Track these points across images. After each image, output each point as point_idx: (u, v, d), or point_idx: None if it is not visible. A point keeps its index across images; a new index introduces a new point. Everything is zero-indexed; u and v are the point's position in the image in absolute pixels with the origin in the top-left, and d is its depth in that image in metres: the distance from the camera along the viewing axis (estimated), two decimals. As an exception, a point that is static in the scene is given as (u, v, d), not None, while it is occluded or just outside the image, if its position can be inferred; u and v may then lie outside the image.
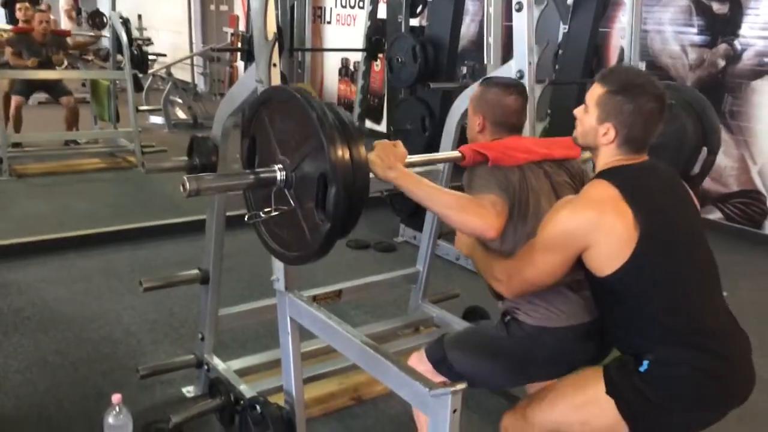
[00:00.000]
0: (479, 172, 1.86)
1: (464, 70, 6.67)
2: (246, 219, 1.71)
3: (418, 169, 2.00)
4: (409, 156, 1.79)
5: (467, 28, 6.58)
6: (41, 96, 7.09)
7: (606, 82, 1.66)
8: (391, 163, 1.71)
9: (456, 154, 1.95)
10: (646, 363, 1.59)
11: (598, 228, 1.57)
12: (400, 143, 1.78)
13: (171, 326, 3.25)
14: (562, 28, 4.86)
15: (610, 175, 1.64)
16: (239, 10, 10.52)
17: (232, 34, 9.44)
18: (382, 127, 7.53)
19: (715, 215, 5.24)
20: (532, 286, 1.72)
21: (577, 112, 1.74)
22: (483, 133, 2.05)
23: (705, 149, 2.84)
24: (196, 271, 2.53)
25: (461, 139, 2.42)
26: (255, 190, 1.69)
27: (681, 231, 1.65)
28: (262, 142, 1.66)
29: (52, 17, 6.54)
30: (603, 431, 1.65)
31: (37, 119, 6.73)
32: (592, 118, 1.68)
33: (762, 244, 4.96)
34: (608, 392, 1.61)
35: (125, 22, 6.20)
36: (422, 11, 5.22)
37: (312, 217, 1.51)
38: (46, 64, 6.07)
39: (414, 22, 4.48)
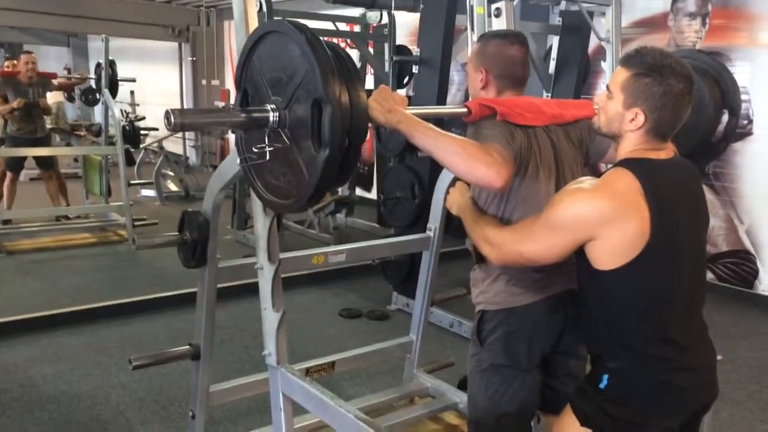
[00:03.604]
0: (486, 123, 1.77)
1: (452, 137, 6.79)
2: (238, 162, 1.64)
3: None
4: (409, 108, 1.64)
5: (453, 97, 6.75)
6: (32, 172, 7.15)
7: (631, 65, 1.56)
8: (391, 107, 1.59)
9: (461, 109, 1.81)
10: (605, 378, 1.58)
11: (612, 220, 1.49)
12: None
13: (160, 404, 3.18)
14: (545, 96, 4.98)
15: (633, 166, 1.54)
16: (230, 85, 10.77)
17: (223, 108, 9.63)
18: (373, 195, 7.60)
19: (707, 275, 5.24)
20: (524, 260, 1.66)
21: (599, 99, 1.64)
22: (487, 88, 1.94)
23: (726, 112, 2.67)
24: (186, 347, 2.50)
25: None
26: (248, 137, 1.63)
27: (687, 244, 1.59)
28: (254, 91, 1.59)
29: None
30: None
31: (28, 195, 6.76)
32: (617, 104, 1.58)
33: (755, 303, 4.96)
34: (583, 424, 1.62)
35: (112, 64, 6.32)
36: (408, 82, 5.36)
37: (309, 152, 1.43)
38: (33, 106, 6.09)
39: (401, 92, 4.60)
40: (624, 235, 1.50)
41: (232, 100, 9.06)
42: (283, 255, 2.11)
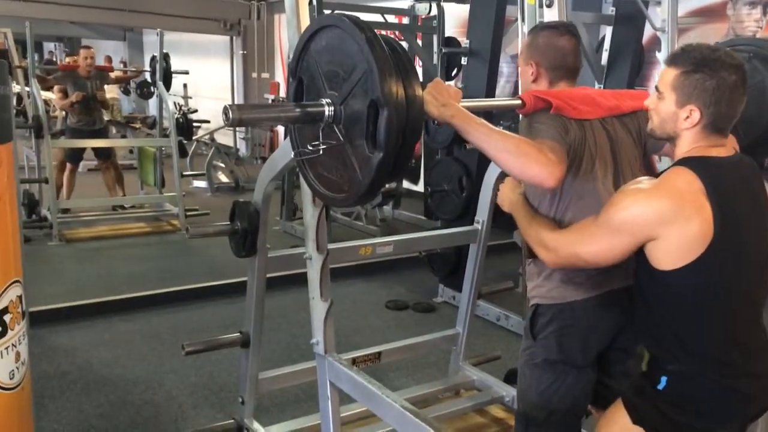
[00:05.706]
0: (539, 117, 1.74)
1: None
2: (292, 155, 1.65)
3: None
4: (463, 100, 1.64)
5: (502, 89, 6.67)
6: (90, 163, 7.39)
7: (678, 63, 1.52)
8: (446, 101, 1.57)
9: (515, 101, 1.78)
10: (664, 379, 1.55)
11: (673, 220, 1.45)
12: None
13: (211, 390, 3.25)
14: (598, 87, 4.88)
15: (694, 164, 1.50)
16: (280, 78, 10.89)
17: (272, 101, 9.74)
18: (419, 187, 7.58)
19: None
20: (582, 262, 1.62)
21: (649, 102, 1.61)
22: (538, 81, 1.92)
23: None
24: (237, 334, 2.55)
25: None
26: (302, 127, 1.64)
27: (751, 243, 1.55)
28: (309, 81, 1.60)
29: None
30: None
31: (86, 185, 6.98)
32: (669, 104, 1.54)
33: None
34: (635, 421, 1.59)
35: (166, 57, 6.50)
36: (457, 74, 5.33)
37: (362, 151, 1.43)
38: (92, 98, 6.29)
39: (450, 84, 4.58)
40: (686, 234, 1.46)
41: (282, 93, 9.15)
42: (331, 245, 2.14)
